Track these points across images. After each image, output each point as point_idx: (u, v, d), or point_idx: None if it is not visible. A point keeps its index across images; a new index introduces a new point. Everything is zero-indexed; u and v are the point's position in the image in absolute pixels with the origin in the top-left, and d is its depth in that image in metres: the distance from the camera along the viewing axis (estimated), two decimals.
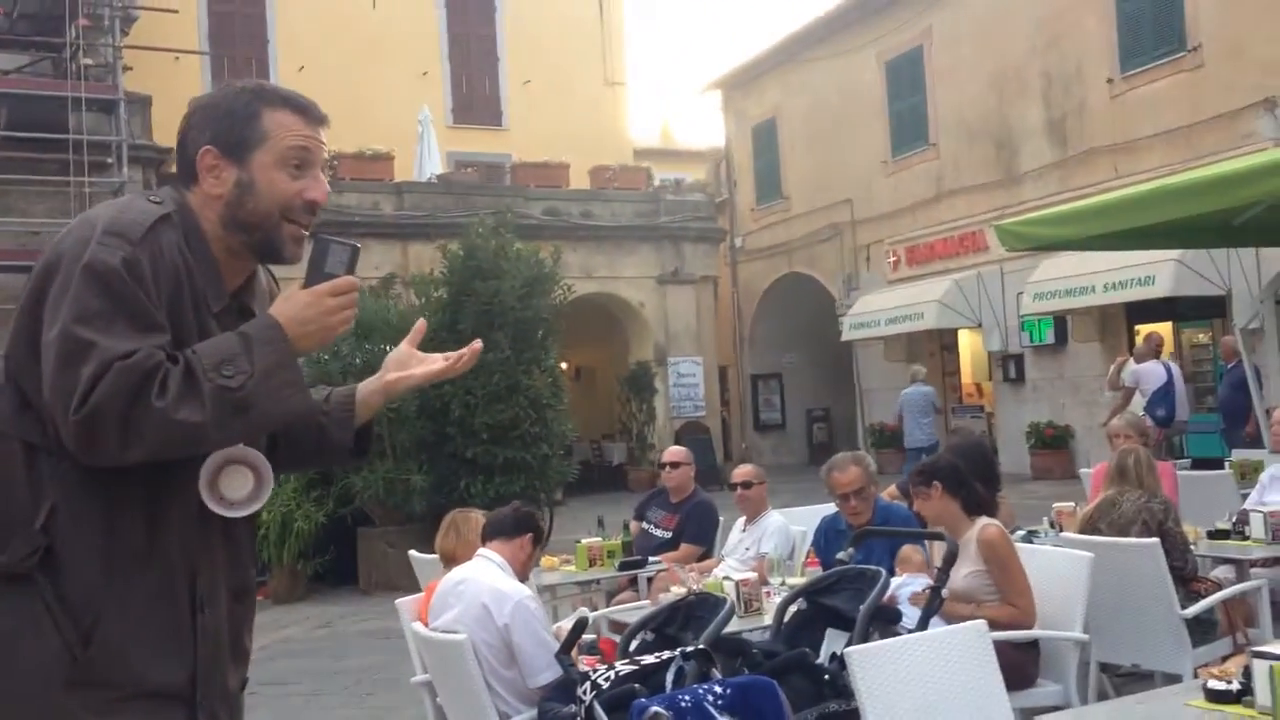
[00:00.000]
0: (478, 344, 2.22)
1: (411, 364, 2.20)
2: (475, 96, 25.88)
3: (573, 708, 3.93)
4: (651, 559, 6.61)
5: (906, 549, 4.91)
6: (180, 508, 1.94)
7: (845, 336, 21.02)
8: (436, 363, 2.19)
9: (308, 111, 2.08)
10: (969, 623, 3.66)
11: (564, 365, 16.00)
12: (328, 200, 2.09)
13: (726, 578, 5.02)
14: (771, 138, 24.23)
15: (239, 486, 1.94)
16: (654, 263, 22.03)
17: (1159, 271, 14.34)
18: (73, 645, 1.84)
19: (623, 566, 6.52)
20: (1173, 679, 4.93)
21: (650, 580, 6.51)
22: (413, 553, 6.70)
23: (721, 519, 7.09)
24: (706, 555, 6.82)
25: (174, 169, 2.13)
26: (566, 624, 4.74)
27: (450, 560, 5.04)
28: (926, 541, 5.15)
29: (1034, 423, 17.36)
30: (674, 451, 7.46)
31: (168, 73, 19.50)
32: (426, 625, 4.37)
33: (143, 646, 1.89)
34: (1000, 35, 18.19)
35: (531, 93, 25.55)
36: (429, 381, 2.21)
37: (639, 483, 19.78)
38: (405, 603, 5.08)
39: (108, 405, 1.74)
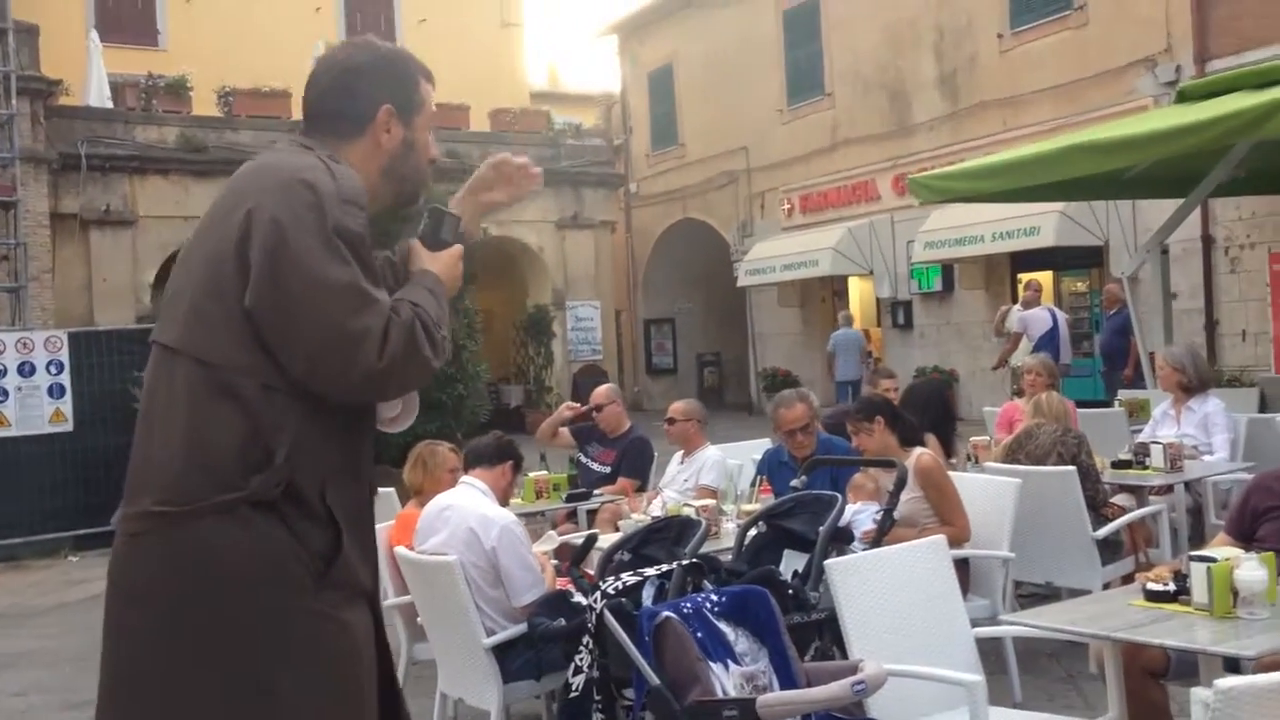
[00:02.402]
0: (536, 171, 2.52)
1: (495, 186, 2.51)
2: (370, 33, 25.41)
3: (561, 621, 4.22)
4: (594, 492, 6.91)
5: (859, 477, 5.27)
6: (368, 431, 2.24)
7: (741, 283, 21.46)
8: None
9: (433, 81, 2.39)
10: (931, 538, 4.04)
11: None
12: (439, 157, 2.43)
13: (687, 504, 5.34)
14: (668, 84, 24.42)
15: (391, 408, 2.28)
16: (553, 207, 22.14)
17: (1044, 222, 15.04)
18: (318, 560, 2.10)
19: (569, 499, 6.80)
20: (1080, 595, 5.43)
21: (591, 513, 6.83)
22: None
23: (656, 454, 7.41)
24: (642, 488, 7.13)
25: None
26: (539, 547, 5.00)
27: (418, 492, 5.27)
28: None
29: (921, 367, 18.04)
30: (599, 393, 7.70)
31: (53, 2, 18.81)
32: (410, 549, 4.58)
33: (356, 553, 2.18)
34: None
35: (427, 32, 25.18)
36: (512, 202, 2.52)
37: (536, 425, 19.96)
38: (376, 530, 5.28)
39: (400, 355, 2.06)
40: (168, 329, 2.17)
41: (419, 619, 4.80)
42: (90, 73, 19.32)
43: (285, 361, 2.06)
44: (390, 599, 5.09)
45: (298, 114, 14.09)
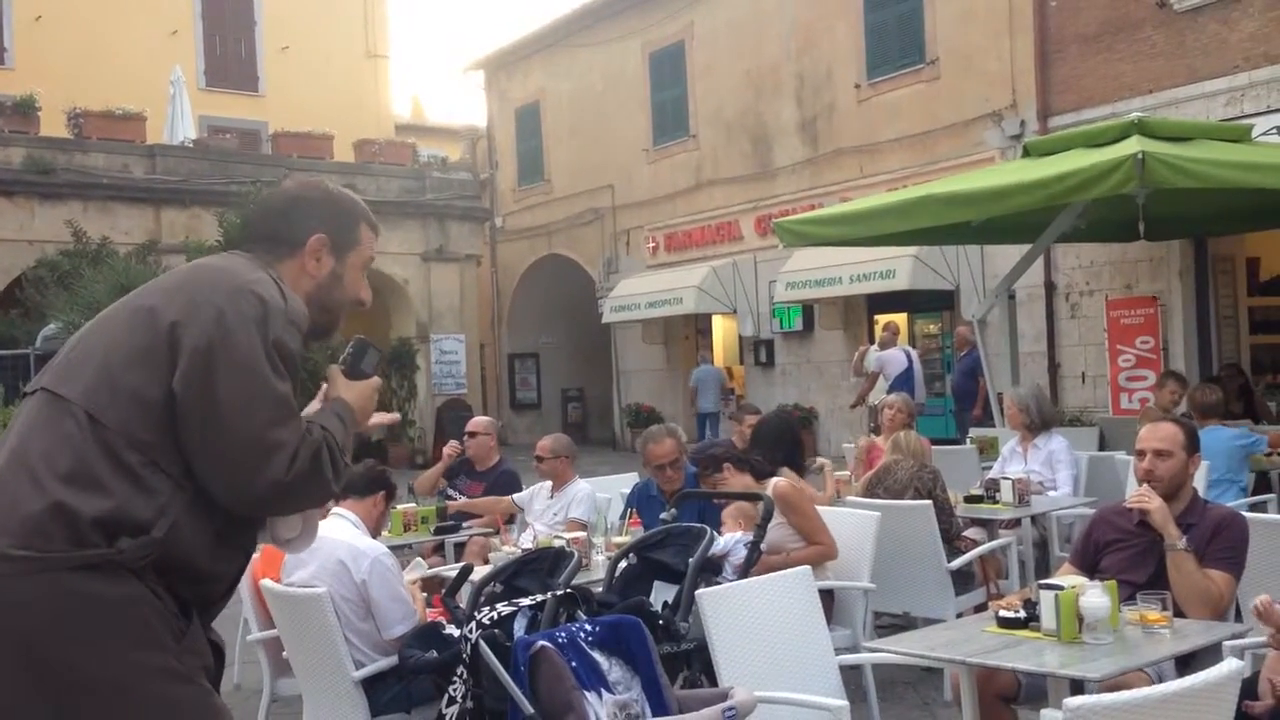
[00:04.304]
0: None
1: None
2: (229, 60, 25.00)
3: (433, 653, 4.22)
4: (463, 525, 6.89)
5: (745, 505, 5.32)
6: (247, 537, 2.28)
7: (606, 319, 21.61)
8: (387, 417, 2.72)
9: (377, 231, 2.57)
10: (796, 568, 4.17)
11: None
12: (370, 302, 2.56)
13: (557, 537, 5.38)
14: (535, 120, 24.54)
15: (291, 528, 2.33)
16: (419, 239, 21.98)
17: (899, 266, 15.57)
18: (178, 621, 2.13)
19: (438, 531, 6.76)
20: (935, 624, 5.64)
21: (459, 546, 6.81)
22: None
23: (525, 487, 7.41)
24: (510, 521, 7.13)
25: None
26: (408, 575, 4.97)
27: None
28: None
29: (782, 404, 18.38)
30: (475, 422, 7.74)
31: None
32: (277, 582, 4.51)
33: (201, 631, 2.22)
34: (757, 37, 19.15)
35: (290, 60, 24.91)
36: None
37: (399, 459, 19.77)
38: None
39: (304, 472, 2.13)
40: (67, 384, 2.16)
41: (284, 653, 4.73)
42: None
43: (192, 454, 2.10)
44: (255, 633, 5.01)
45: (152, 138, 13.98)
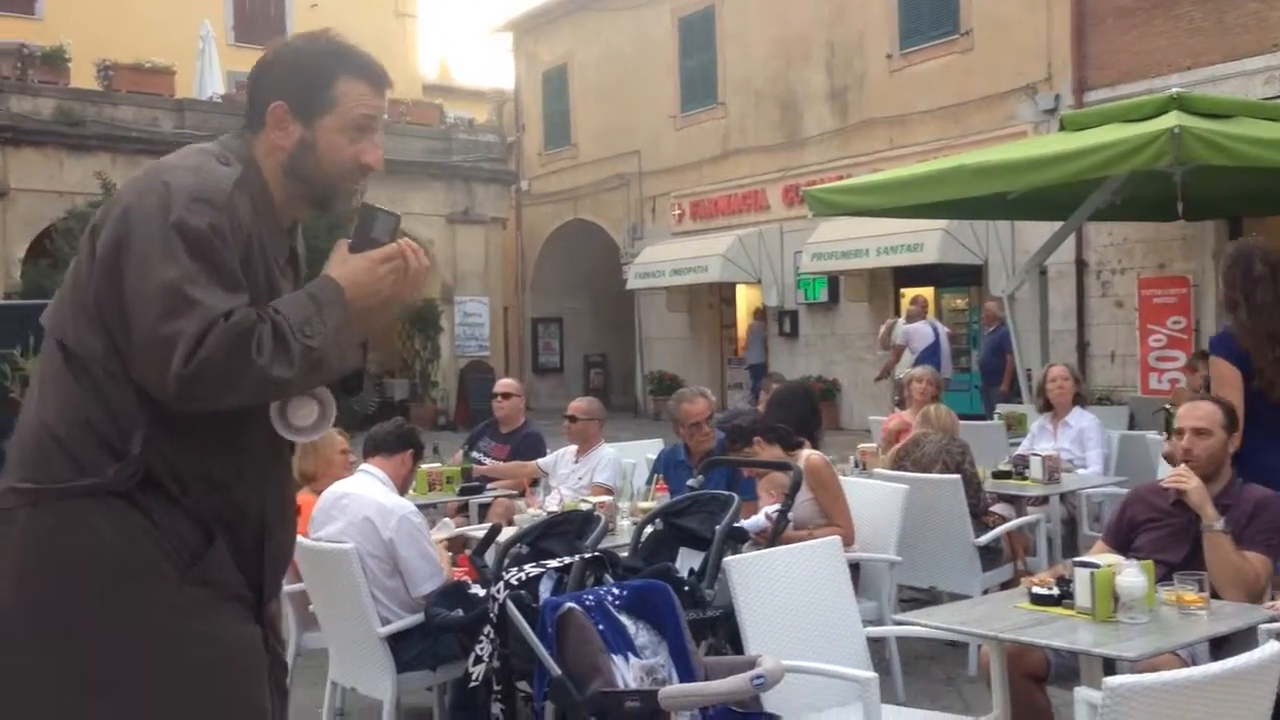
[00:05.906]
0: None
1: None
2: (258, 15, 24.94)
3: (459, 612, 4.21)
4: (488, 486, 6.89)
5: (780, 478, 5.27)
6: (254, 435, 2.14)
7: (630, 285, 21.55)
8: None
9: (378, 80, 2.24)
10: (826, 538, 4.13)
11: None
12: (383, 164, 2.25)
13: (584, 500, 5.36)
14: (562, 84, 24.41)
15: (306, 415, 2.15)
16: (444, 201, 21.93)
17: (927, 239, 15.45)
18: (184, 552, 2.06)
19: (463, 492, 6.76)
20: (960, 600, 5.61)
21: (484, 507, 6.81)
22: None
23: (551, 451, 7.41)
24: (535, 483, 7.13)
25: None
26: (436, 535, 4.96)
27: (311, 479, 5.18)
28: None
29: (804, 376, 18.34)
30: (505, 383, 7.73)
31: None
32: (305, 536, 4.51)
33: (227, 557, 2.12)
34: (788, 4, 18.93)
35: (319, 17, 24.72)
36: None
37: (421, 420, 19.81)
38: None
39: (214, 361, 1.93)
40: (49, 317, 2.15)
41: (311, 607, 4.74)
42: None
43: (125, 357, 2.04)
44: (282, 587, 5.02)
45: (181, 91, 13.87)
